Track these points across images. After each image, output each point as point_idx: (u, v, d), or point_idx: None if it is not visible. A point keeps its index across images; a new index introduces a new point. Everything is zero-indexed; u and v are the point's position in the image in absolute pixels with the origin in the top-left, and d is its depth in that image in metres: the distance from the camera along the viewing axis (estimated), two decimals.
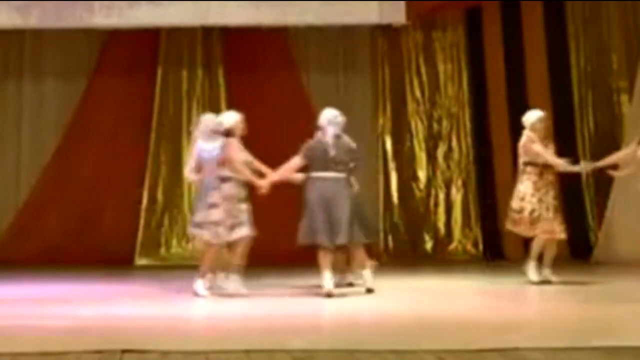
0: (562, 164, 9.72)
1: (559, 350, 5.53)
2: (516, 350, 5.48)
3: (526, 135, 9.70)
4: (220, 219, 8.67)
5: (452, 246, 13.18)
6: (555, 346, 5.66)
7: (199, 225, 8.76)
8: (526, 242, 12.09)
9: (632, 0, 12.93)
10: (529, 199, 9.49)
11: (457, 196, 13.26)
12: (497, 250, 12.96)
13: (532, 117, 9.82)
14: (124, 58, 12.91)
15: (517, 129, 12.80)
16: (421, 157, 13.32)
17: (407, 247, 13.14)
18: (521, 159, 9.67)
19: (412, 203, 13.24)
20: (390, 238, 13.09)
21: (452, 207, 13.25)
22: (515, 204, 9.61)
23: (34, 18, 12.20)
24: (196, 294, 8.59)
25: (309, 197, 8.71)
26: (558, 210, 9.63)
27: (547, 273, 9.57)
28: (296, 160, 8.83)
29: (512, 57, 13.05)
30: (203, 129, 9.06)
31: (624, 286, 9.50)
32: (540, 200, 9.46)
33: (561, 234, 9.64)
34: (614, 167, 10.07)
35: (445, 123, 13.33)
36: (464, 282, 10.40)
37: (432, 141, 13.33)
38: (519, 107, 12.78)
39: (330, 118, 8.87)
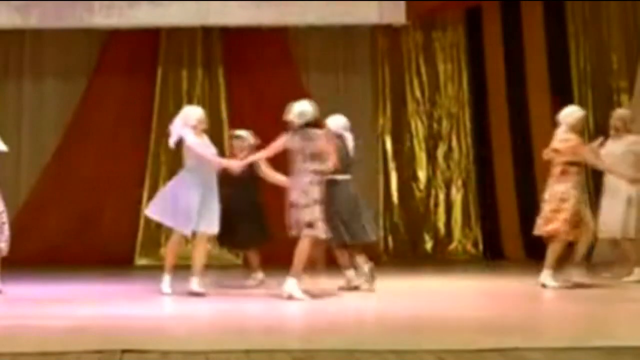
0: (606, 165, 9.61)
1: (559, 350, 5.53)
2: (516, 350, 5.48)
3: (571, 136, 9.19)
4: (322, 215, 8.37)
5: (452, 246, 13.18)
6: (555, 346, 5.65)
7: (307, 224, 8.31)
8: (526, 243, 12.15)
9: (632, 0, 12.93)
10: (573, 201, 9.07)
11: (457, 196, 13.27)
12: (497, 250, 12.97)
13: (573, 116, 9.27)
14: (124, 58, 12.91)
15: (517, 129, 12.91)
16: (421, 157, 13.33)
17: (407, 247, 13.14)
18: (563, 158, 9.14)
19: (412, 203, 13.25)
20: (390, 238, 13.10)
21: (452, 207, 13.26)
22: (554, 204, 9.13)
23: (34, 18, 12.20)
24: (291, 297, 8.25)
25: (339, 198, 8.84)
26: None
27: (578, 273, 9.36)
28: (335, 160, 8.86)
29: (512, 57, 13.05)
30: (193, 123, 9.02)
31: (624, 286, 9.49)
32: (585, 202, 9.28)
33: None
34: None
35: (445, 123, 13.34)
36: (464, 282, 10.40)
37: (432, 141, 13.34)
38: (519, 107, 12.87)
39: (344, 125, 9.16)
